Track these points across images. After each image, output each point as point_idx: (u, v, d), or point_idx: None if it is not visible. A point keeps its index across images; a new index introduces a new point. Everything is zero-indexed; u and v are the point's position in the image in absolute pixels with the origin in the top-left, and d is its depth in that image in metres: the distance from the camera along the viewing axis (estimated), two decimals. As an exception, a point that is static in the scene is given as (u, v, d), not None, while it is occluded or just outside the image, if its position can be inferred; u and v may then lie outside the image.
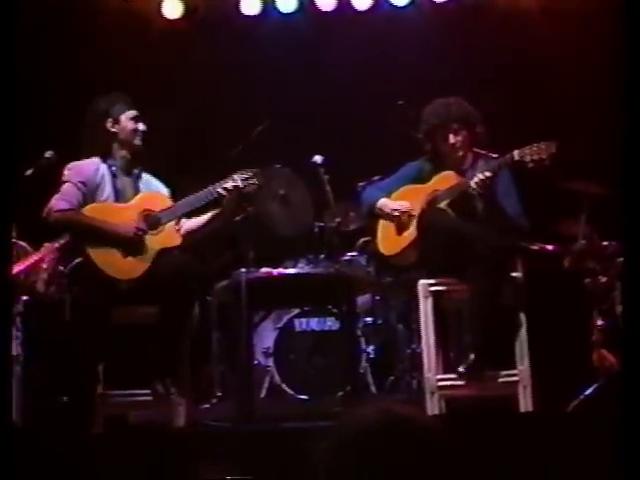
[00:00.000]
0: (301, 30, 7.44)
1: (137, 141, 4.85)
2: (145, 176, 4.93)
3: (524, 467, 4.02)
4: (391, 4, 7.42)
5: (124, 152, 4.85)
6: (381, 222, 5.08)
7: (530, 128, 6.27)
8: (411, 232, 4.92)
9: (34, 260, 5.34)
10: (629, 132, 3.57)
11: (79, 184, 4.70)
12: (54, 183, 4.80)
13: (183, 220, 4.91)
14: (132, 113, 4.85)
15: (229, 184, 4.82)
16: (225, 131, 6.58)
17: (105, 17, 7.22)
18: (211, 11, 7.50)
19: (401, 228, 4.99)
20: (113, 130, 4.82)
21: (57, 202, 4.67)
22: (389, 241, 5.05)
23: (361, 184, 5.80)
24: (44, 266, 5.40)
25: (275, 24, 7.50)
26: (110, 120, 4.81)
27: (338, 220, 6.12)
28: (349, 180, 5.91)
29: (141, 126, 4.86)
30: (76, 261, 4.67)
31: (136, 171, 4.89)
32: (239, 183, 4.82)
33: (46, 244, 5.40)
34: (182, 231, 4.87)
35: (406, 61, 7.18)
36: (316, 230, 6.16)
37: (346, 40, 7.29)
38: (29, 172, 5.32)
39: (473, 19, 7.26)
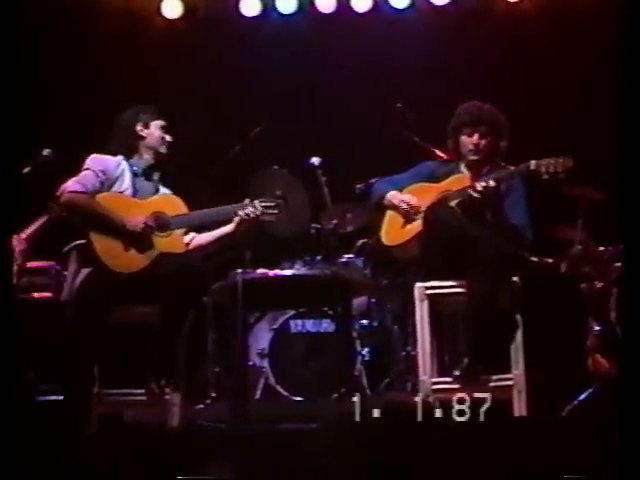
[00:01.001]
0: (301, 31, 7.45)
1: (163, 149, 4.89)
2: (163, 188, 4.95)
3: (517, 471, 4.02)
4: (391, 6, 7.44)
5: (148, 157, 4.89)
6: (388, 213, 5.07)
7: (527, 131, 6.29)
8: (417, 225, 4.91)
9: None
10: (627, 137, 3.57)
11: (99, 172, 4.73)
12: (52, 180, 4.81)
13: (192, 234, 4.92)
14: (162, 123, 4.91)
15: (250, 210, 4.84)
16: (224, 131, 6.57)
17: (104, 16, 7.23)
18: (211, 12, 7.51)
19: (408, 220, 4.99)
20: (142, 134, 4.87)
21: (72, 184, 4.69)
22: (394, 232, 5.04)
23: (359, 186, 5.80)
24: (16, 260, 5.39)
25: (275, 25, 7.51)
26: (140, 124, 4.87)
27: (335, 222, 6.12)
28: (347, 182, 5.92)
29: (168, 137, 4.90)
30: (75, 243, 4.67)
31: (156, 178, 4.91)
32: (259, 211, 4.85)
33: (14, 236, 5.39)
34: (191, 246, 4.88)
35: (405, 63, 7.19)
36: (313, 232, 6.16)
37: (345, 42, 7.30)
38: (27, 170, 5.32)
39: (472, 22, 7.27)
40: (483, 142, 4.94)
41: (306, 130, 6.98)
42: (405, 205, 4.98)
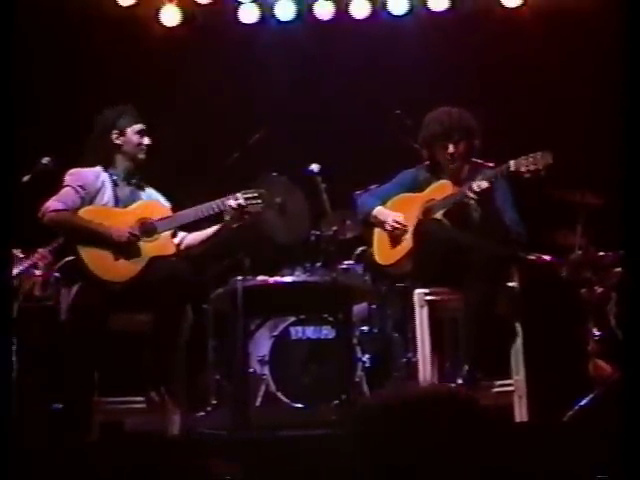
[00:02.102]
0: (299, 39, 7.44)
1: (141, 155, 4.89)
2: (148, 188, 4.96)
3: (518, 477, 4.01)
4: (389, 13, 7.43)
5: (127, 164, 4.89)
6: (377, 231, 5.08)
7: (526, 137, 6.29)
8: (407, 242, 4.91)
9: (27, 266, 5.37)
10: (627, 142, 3.57)
11: (78, 187, 4.75)
12: (51, 189, 4.82)
13: (182, 234, 4.93)
14: (139, 127, 4.89)
15: (233, 202, 4.82)
16: (223, 139, 6.57)
17: (103, 24, 7.22)
18: (209, 19, 7.50)
19: (396, 239, 4.98)
20: (117, 142, 4.86)
21: (53, 203, 4.72)
22: (385, 251, 5.04)
23: (357, 193, 5.80)
24: (37, 272, 5.44)
25: (273, 32, 7.51)
26: (116, 132, 4.86)
27: (335, 228, 6.10)
28: (346, 189, 5.91)
29: (146, 140, 4.89)
30: (67, 259, 4.70)
31: (135, 181, 4.91)
32: (242, 202, 4.83)
33: (40, 250, 5.44)
34: (182, 247, 4.89)
35: (404, 70, 7.19)
36: (313, 238, 6.15)
37: (344, 49, 7.30)
38: (26, 178, 5.33)
39: (471, 28, 7.27)
40: (458, 149, 4.94)
41: (305, 137, 6.98)
42: (390, 226, 4.97)
